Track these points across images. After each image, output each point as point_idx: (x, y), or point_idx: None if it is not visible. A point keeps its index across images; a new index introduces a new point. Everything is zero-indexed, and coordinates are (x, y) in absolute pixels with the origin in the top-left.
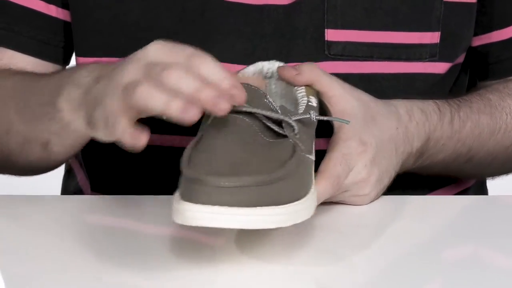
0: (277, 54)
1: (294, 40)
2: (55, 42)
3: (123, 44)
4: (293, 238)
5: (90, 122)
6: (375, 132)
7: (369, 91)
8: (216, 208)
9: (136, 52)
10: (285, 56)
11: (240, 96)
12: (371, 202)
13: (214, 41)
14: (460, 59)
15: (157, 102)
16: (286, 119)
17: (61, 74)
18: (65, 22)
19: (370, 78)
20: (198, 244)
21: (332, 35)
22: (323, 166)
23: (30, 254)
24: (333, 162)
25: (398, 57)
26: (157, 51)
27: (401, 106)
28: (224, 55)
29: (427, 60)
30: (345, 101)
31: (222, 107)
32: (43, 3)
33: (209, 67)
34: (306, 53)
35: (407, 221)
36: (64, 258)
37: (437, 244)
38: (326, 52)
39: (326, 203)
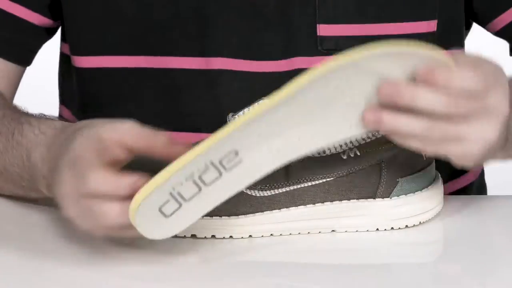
0: (272, 49)
1: (288, 35)
2: (23, 44)
3: (119, 41)
4: (304, 253)
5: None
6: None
7: None
8: None
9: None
10: (281, 52)
11: None
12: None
13: (210, 36)
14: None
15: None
16: None
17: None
18: (37, 26)
19: None
20: (196, 247)
21: (324, 30)
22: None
23: (29, 254)
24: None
25: None
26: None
27: None
28: (220, 50)
29: None
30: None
31: None
32: (23, 8)
33: None
34: (299, 48)
35: None
36: (64, 258)
37: (437, 243)
38: (319, 48)
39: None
